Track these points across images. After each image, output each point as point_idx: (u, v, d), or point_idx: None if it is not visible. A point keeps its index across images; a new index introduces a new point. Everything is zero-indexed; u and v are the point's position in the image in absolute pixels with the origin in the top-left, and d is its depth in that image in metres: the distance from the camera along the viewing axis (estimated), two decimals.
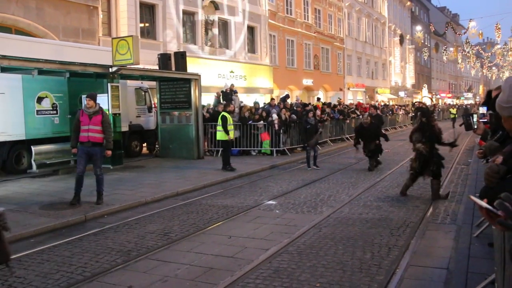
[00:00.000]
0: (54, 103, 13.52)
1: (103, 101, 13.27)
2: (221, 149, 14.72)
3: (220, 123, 13.68)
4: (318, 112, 16.57)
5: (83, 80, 14.18)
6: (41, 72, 12.79)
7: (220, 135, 13.82)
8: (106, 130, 9.07)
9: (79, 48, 15.65)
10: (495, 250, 4.51)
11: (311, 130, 14.22)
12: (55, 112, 13.39)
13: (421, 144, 9.16)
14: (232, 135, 13.91)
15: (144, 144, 18.25)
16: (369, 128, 13.83)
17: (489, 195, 2.79)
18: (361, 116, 24.15)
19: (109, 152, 9.19)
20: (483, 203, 1.85)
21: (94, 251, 6.32)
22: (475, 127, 5.33)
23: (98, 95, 13.41)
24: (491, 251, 5.27)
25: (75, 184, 8.97)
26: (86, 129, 8.93)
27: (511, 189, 2.31)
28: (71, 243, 6.75)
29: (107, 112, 13.18)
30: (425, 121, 9.42)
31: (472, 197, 1.96)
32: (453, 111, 37.46)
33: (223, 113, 13.88)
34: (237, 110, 18.20)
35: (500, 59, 68.06)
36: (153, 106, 17.83)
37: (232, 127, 13.94)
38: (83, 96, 13.48)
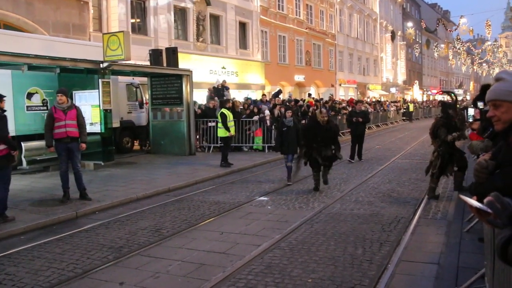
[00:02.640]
0: (44, 99, 13.42)
1: (94, 97, 13.22)
2: (214, 145, 14.58)
3: (220, 120, 13.65)
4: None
5: (74, 76, 14.07)
6: (31, 67, 12.67)
7: (221, 132, 13.83)
8: (82, 124, 9.04)
9: (70, 43, 15.52)
10: (485, 244, 4.55)
11: (288, 134, 10.72)
12: (45, 108, 13.26)
13: (454, 134, 8.40)
14: (233, 131, 13.86)
15: (136, 141, 18.19)
16: (327, 128, 9.95)
17: (479, 191, 2.81)
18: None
19: (84, 145, 9.12)
20: (474, 202, 1.86)
21: (85, 248, 6.29)
22: (470, 120, 5.36)
23: (88, 91, 13.50)
24: (481, 246, 5.31)
25: (61, 182, 8.95)
26: (63, 125, 8.80)
27: (500, 185, 2.33)
28: (62, 240, 6.71)
29: (98, 108, 13.17)
30: (451, 114, 8.64)
31: (462, 197, 1.97)
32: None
33: (222, 110, 13.84)
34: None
35: (491, 56, 68.51)
36: (144, 102, 17.76)
37: (232, 123, 13.90)
38: (74, 92, 13.50)
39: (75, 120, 8.91)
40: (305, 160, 10.12)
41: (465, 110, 5.56)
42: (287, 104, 20.13)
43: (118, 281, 5.11)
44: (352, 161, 14.71)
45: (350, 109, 25.29)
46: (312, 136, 9.94)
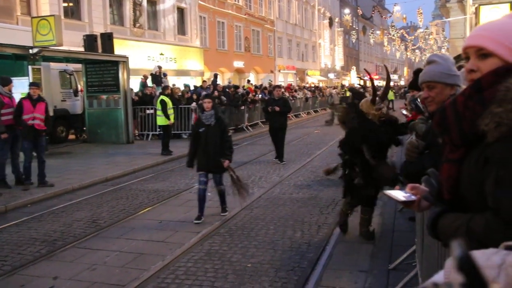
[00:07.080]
0: None
1: (24, 84, 12.57)
2: (152, 133, 14.26)
3: (160, 108, 13.36)
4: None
5: (0, 62, 13.34)
6: None
7: (161, 120, 13.56)
8: None
9: None
10: (416, 223, 4.75)
11: (208, 139, 6.79)
12: None
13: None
14: (172, 119, 13.64)
15: (71, 130, 17.55)
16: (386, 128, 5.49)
17: (409, 169, 2.94)
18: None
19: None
20: (398, 197, 1.90)
21: (16, 243, 6.00)
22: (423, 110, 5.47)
23: (17, 78, 12.85)
24: (413, 225, 5.54)
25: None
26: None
27: (429, 164, 2.42)
28: None
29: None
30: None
31: (387, 192, 2.01)
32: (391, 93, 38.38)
33: (162, 97, 13.57)
34: None
35: (422, 43, 70.97)
36: (79, 89, 17.15)
37: (172, 111, 13.67)
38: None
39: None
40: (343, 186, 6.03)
41: (417, 100, 5.69)
42: (227, 90, 20.03)
43: (51, 276, 4.92)
44: (275, 159, 11.89)
45: (288, 94, 25.43)
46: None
